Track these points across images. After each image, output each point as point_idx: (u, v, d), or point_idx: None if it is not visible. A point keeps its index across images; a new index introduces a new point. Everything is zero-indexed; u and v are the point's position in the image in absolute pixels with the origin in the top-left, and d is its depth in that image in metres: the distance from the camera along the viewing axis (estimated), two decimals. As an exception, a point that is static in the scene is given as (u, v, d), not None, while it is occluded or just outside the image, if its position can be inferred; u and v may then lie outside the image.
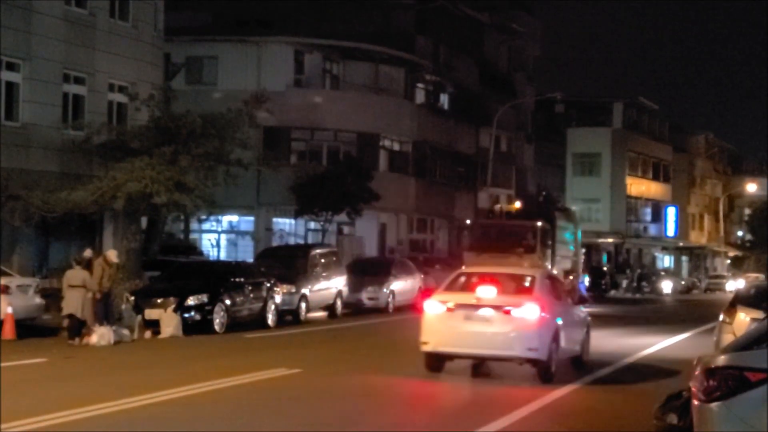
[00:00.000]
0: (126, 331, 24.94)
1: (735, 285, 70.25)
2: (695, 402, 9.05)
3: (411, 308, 33.30)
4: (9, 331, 24.40)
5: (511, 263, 33.07)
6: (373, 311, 37.25)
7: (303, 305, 32.47)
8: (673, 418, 10.98)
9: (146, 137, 31.87)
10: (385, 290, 38.22)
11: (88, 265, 25.36)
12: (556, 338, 18.70)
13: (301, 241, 49.08)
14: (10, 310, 24.70)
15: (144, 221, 34.89)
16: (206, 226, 49.12)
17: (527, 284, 19.36)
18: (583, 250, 53.57)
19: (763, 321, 11.27)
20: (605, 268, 66.69)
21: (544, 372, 18.40)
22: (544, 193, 55.06)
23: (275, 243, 48.38)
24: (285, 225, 51.42)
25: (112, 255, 26.00)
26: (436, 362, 19.05)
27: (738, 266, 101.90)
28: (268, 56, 50.39)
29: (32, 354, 21.17)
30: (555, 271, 34.86)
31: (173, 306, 26.57)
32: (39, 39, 31.24)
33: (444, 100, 62.47)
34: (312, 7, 54.96)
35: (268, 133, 47.61)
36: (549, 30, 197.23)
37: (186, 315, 26.68)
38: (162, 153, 30.95)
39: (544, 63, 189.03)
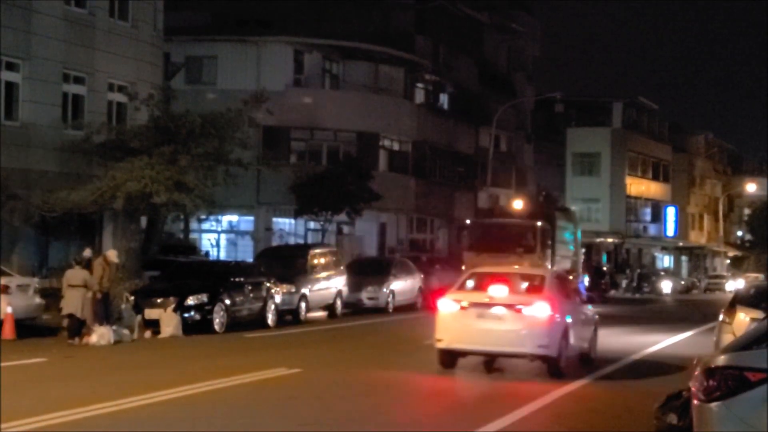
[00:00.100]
0: (126, 331, 24.95)
1: (734, 285, 70.26)
2: (695, 402, 9.06)
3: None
4: (9, 331, 24.41)
5: (511, 263, 33.15)
6: (372, 311, 37.25)
7: (303, 305, 32.47)
8: (672, 418, 10.98)
9: (146, 137, 31.87)
10: (384, 290, 38.23)
11: (87, 265, 25.37)
12: (565, 336, 19.33)
13: (301, 241, 49.08)
14: (9, 309, 24.71)
15: (144, 221, 34.89)
16: (206, 225, 49.14)
17: (538, 284, 20.06)
18: (583, 250, 53.60)
19: (762, 321, 11.27)
20: (605, 268, 66.64)
21: (554, 368, 19.01)
22: (544, 193, 55.06)
23: (275, 243, 48.38)
24: (285, 225, 51.42)
25: (112, 255, 26.01)
26: (450, 359, 19.64)
27: (737, 266, 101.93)
28: (268, 56, 50.39)
29: (32, 354, 21.18)
30: (555, 271, 34.82)
31: (173, 306, 26.57)
32: (39, 39, 31.25)
33: (444, 99, 62.48)
34: (312, 7, 54.98)
35: (268, 133, 47.64)
36: (549, 30, 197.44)
37: (186, 315, 26.68)
38: (161, 153, 30.95)
39: (544, 63, 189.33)
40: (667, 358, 23.36)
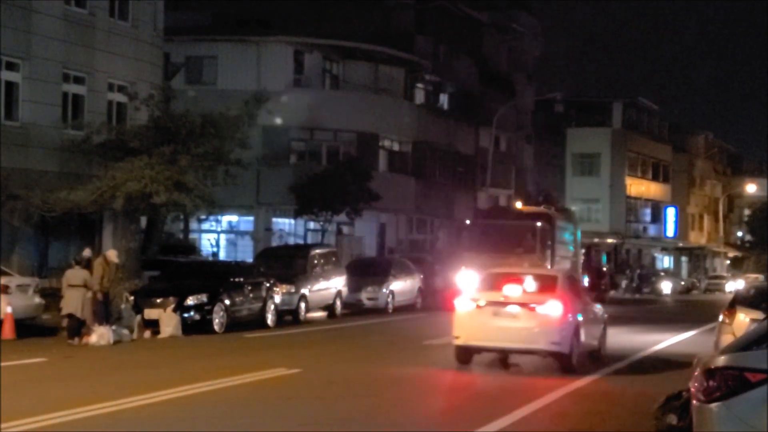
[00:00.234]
0: (125, 331, 24.94)
1: (734, 285, 70.24)
2: (695, 402, 9.06)
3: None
4: (9, 331, 24.41)
5: (511, 264, 33.27)
6: (372, 311, 37.24)
7: (302, 305, 32.46)
8: (672, 419, 10.98)
9: (146, 137, 31.86)
10: (384, 290, 38.22)
11: (87, 265, 25.38)
12: (576, 333, 20.12)
13: (301, 241, 49.07)
14: (9, 309, 24.71)
15: (143, 221, 34.89)
16: (206, 225, 49.13)
17: (550, 283, 20.77)
18: (583, 251, 53.58)
19: (762, 321, 11.27)
20: (605, 269, 66.61)
21: (566, 364, 19.84)
22: (543, 193, 55.04)
23: (275, 243, 48.37)
24: (284, 225, 51.42)
25: (112, 255, 26.01)
26: (466, 355, 20.51)
27: (737, 267, 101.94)
28: (268, 56, 50.39)
29: (32, 354, 21.18)
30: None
31: (173, 306, 26.57)
32: (39, 39, 31.24)
33: (443, 100, 62.49)
34: (312, 7, 54.99)
35: (268, 133, 47.64)
36: (549, 30, 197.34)
37: (185, 315, 26.68)
38: (161, 153, 30.94)
39: (544, 63, 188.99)
40: (672, 356, 23.85)
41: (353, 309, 36.84)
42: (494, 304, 19.92)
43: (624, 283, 73.63)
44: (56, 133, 31.81)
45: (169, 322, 26.20)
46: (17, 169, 30.12)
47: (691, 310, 49.00)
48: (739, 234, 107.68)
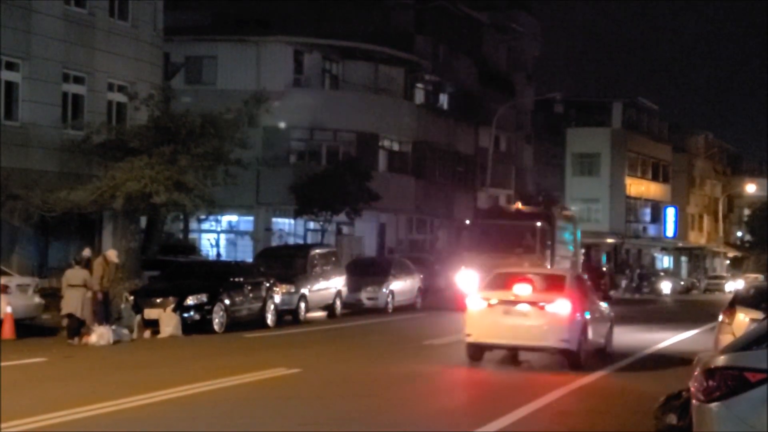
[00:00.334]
0: (125, 331, 24.95)
1: (734, 285, 70.25)
2: (695, 402, 9.06)
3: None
4: (8, 331, 24.41)
5: (511, 263, 33.39)
6: (372, 311, 37.24)
7: (302, 305, 32.46)
8: (672, 419, 10.98)
9: (145, 137, 31.86)
10: (384, 290, 38.21)
11: (87, 265, 25.38)
12: (584, 331, 20.77)
13: (301, 241, 49.08)
14: (9, 309, 24.71)
15: (143, 221, 34.89)
16: (206, 225, 49.14)
17: (559, 283, 21.37)
18: (583, 251, 53.58)
19: (762, 321, 11.27)
20: (604, 269, 66.64)
21: (574, 361, 20.43)
22: (543, 193, 55.07)
23: (274, 243, 48.38)
24: (284, 225, 51.42)
25: (112, 254, 26.02)
26: (478, 352, 21.11)
27: (737, 267, 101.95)
28: (268, 56, 50.40)
29: (32, 353, 21.18)
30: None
31: (172, 306, 26.56)
32: (38, 38, 31.24)
33: (443, 100, 62.51)
34: (311, 7, 55.00)
35: (268, 133, 47.65)
36: (549, 30, 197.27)
37: (185, 315, 26.67)
38: (161, 152, 30.94)
39: (544, 63, 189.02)
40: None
41: (353, 309, 36.83)
42: (505, 303, 20.48)
43: (624, 283, 73.67)
44: (56, 133, 31.81)
45: (168, 321, 26.20)
46: (17, 169, 30.12)
47: (691, 310, 49.01)
48: (739, 234, 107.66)
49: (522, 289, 20.55)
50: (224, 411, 14.52)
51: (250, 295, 28.98)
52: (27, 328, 25.46)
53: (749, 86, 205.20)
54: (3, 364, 18.79)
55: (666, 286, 79.78)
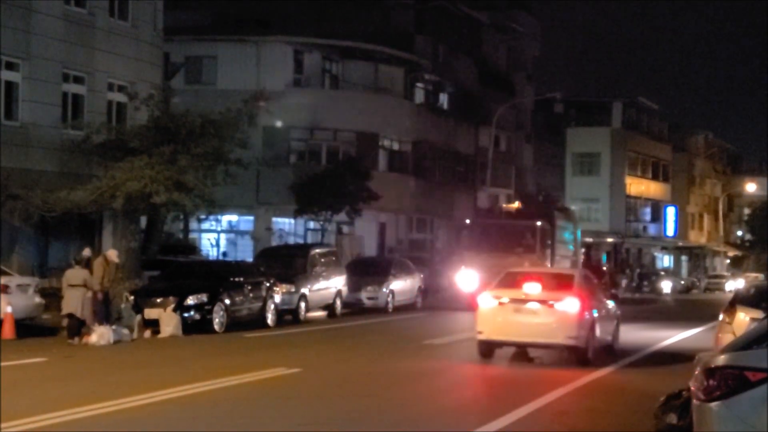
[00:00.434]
0: (125, 331, 24.94)
1: (734, 285, 70.22)
2: (695, 401, 9.05)
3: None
4: (9, 331, 24.41)
5: (511, 263, 33.48)
6: (372, 311, 37.24)
7: (302, 305, 32.46)
8: (672, 418, 10.97)
9: (145, 137, 31.86)
10: (384, 290, 38.20)
11: (87, 265, 25.37)
12: (592, 328, 21.41)
13: (301, 241, 49.08)
14: (9, 309, 24.70)
15: (143, 221, 34.88)
16: (206, 225, 49.12)
17: (567, 281, 22.00)
18: (583, 250, 53.56)
19: (762, 321, 11.27)
20: (604, 268, 66.61)
21: (582, 357, 21.03)
22: (543, 193, 55.05)
23: (275, 243, 48.38)
24: (284, 225, 51.42)
25: (113, 254, 26.02)
26: (489, 349, 21.71)
27: (737, 266, 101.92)
28: (268, 56, 50.40)
29: (32, 353, 21.18)
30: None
31: (173, 305, 26.56)
32: (38, 38, 31.25)
33: (443, 99, 62.50)
34: (311, 6, 55.01)
35: (268, 133, 47.65)
36: (549, 30, 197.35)
37: (185, 314, 26.67)
38: (161, 152, 30.95)
39: (544, 63, 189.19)
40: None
41: (353, 309, 36.84)
42: (515, 301, 21.08)
43: (624, 283, 73.63)
44: (56, 133, 31.81)
45: (169, 321, 26.20)
46: (17, 169, 30.13)
47: (692, 309, 49.03)
48: (739, 233, 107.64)
49: (532, 288, 21.16)
50: (224, 411, 14.52)
51: (251, 294, 28.98)
52: (27, 328, 25.46)
53: (749, 86, 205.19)
54: (3, 364, 18.79)
55: (666, 286, 79.73)
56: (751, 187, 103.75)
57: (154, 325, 26.31)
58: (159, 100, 33.15)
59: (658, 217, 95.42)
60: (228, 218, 50.85)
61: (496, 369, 20.94)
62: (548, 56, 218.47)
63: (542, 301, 20.99)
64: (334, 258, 36.46)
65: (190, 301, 26.90)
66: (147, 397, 15.27)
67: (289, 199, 47.42)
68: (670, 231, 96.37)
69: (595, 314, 21.77)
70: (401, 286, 39.43)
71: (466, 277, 40.90)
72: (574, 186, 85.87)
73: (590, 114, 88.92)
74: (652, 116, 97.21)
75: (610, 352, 23.09)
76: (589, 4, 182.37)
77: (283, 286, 31.24)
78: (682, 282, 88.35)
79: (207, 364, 20.09)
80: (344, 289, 35.78)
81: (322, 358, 21.96)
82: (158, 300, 26.89)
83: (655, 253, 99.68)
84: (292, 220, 50.60)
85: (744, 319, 17.38)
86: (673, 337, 29.98)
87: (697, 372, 9.12)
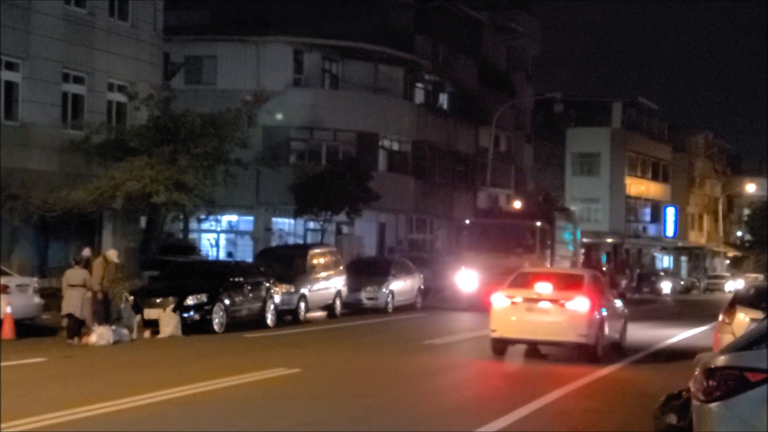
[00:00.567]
0: (125, 331, 24.92)
1: (734, 285, 70.22)
2: (695, 402, 9.05)
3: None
4: (8, 331, 24.39)
5: (510, 263, 33.71)
6: (372, 311, 37.23)
7: (302, 305, 32.45)
8: (672, 419, 10.97)
9: (145, 137, 31.87)
10: (384, 290, 38.18)
11: (87, 265, 25.36)
12: (601, 327, 22.16)
13: (301, 241, 49.06)
14: (9, 309, 24.69)
15: (143, 221, 34.88)
16: (205, 225, 49.12)
17: (577, 282, 22.67)
18: (582, 250, 53.58)
19: (762, 321, 11.27)
20: (604, 269, 66.65)
21: (592, 355, 21.76)
22: (543, 193, 55.03)
23: (274, 243, 48.37)
24: (284, 225, 51.41)
25: (113, 254, 26.00)
26: (502, 346, 22.41)
27: (737, 266, 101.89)
28: (268, 56, 50.39)
29: (31, 353, 21.18)
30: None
31: (172, 306, 26.55)
32: (38, 38, 31.24)
33: (443, 99, 62.48)
34: (311, 6, 55.00)
35: (268, 133, 47.63)
36: (548, 29, 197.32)
37: (185, 315, 26.66)
38: (161, 152, 30.95)
39: (544, 63, 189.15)
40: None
41: (353, 309, 36.83)
42: (527, 301, 21.82)
43: (623, 283, 73.62)
44: (56, 133, 31.81)
45: (168, 321, 26.19)
46: (17, 168, 30.11)
47: (693, 309, 49.05)
48: (739, 234, 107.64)
49: (543, 288, 21.91)
50: (224, 411, 14.51)
51: (250, 295, 28.97)
52: (27, 328, 25.44)
53: (749, 86, 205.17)
54: (3, 364, 18.79)
55: (666, 286, 79.74)
56: (750, 188, 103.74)
57: (153, 325, 26.30)
58: (159, 100, 33.16)
59: (657, 217, 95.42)
60: (228, 218, 50.84)
61: (496, 369, 20.96)
62: (548, 56, 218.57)
63: (553, 301, 21.68)
64: (333, 258, 36.45)
65: (190, 301, 26.88)
66: (146, 397, 15.27)
67: (289, 200, 47.41)
68: (670, 231, 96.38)
69: (604, 313, 22.48)
70: (401, 286, 39.41)
71: (465, 278, 40.92)
72: (573, 186, 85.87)
73: (590, 114, 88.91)
74: (652, 116, 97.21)
75: (618, 350, 23.89)
76: (589, 4, 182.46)
77: (283, 286, 31.23)
78: (682, 282, 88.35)
79: (206, 365, 20.09)
80: (344, 290, 35.77)
81: (321, 359, 21.96)
82: (158, 300, 26.88)
83: (655, 254, 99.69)
84: (292, 221, 50.58)
85: (744, 319, 17.40)
86: (678, 335, 30.66)
87: (696, 373, 9.12)
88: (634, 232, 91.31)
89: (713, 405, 8.72)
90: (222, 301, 27.42)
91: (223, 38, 50.50)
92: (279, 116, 46.41)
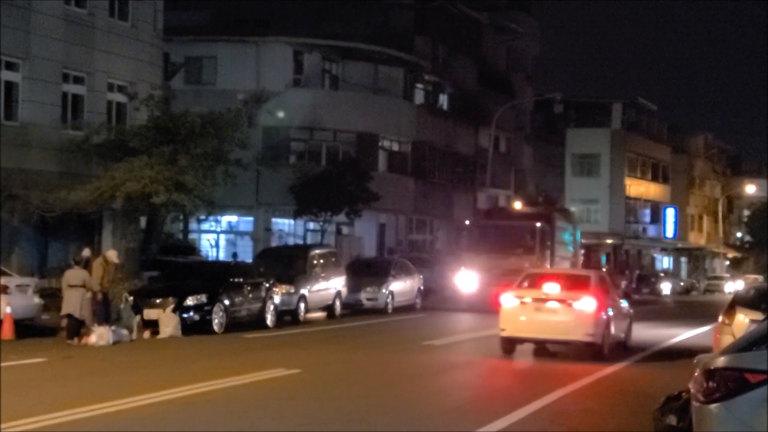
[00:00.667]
0: (125, 331, 24.92)
1: (734, 286, 70.21)
2: (695, 403, 9.05)
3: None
4: (8, 331, 24.39)
5: (510, 264, 33.91)
6: (371, 312, 37.21)
7: (302, 306, 32.45)
8: (672, 420, 10.97)
9: (145, 137, 31.86)
10: (383, 291, 38.16)
11: (86, 265, 25.36)
12: (607, 326, 22.73)
13: (300, 242, 49.06)
14: (9, 309, 24.68)
15: (143, 221, 34.88)
16: (205, 226, 49.12)
17: (584, 282, 23.19)
18: (582, 251, 53.57)
19: (762, 322, 11.27)
20: (604, 269, 66.68)
21: (598, 353, 22.27)
22: (543, 194, 55.03)
23: (274, 243, 48.37)
24: (284, 225, 51.41)
25: (113, 255, 25.99)
26: (511, 345, 22.87)
27: (737, 267, 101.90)
28: (267, 56, 50.39)
29: (31, 354, 21.17)
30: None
31: (172, 306, 26.55)
32: (38, 38, 31.24)
33: (443, 100, 62.49)
34: (311, 7, 54.99)
35: (268, 133, 47.63)
36: (548, 30, 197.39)
37: (185, 315, 26.65)
38: (161, 153, 30.94)
39: (543, 63, 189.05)
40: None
41: (353, 309, 36.81)
42: (536, 301, 22.33)
43: (623, 284, 73.57)
44: (56, 133, 31.81)
45: (168, 322, 26.18)
46: (17, 168, 30.12)
47: (693, 310, 49.05)
48: (739, 235, 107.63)
49: (551, 288, 22.43)
50: (224, 411, 14.51)
51: (250, 295, 28.96)
52: (26, 328, 25.43)
53: (749, 86, 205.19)
54: (3, 364, 18.78)
55: (666, 287, 79.73)
56: (750, 189, 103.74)
57: (153, 325, 26.29)
58: (159, 101, 33.15)
59: (657, 218, 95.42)
60: (227, 219, 50.84)
61: (496, 369, 20.97)
62: (548, 56, 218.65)
63: (561, 301, 22.17)
64: (333, 259, 36.45)
65: (190, 301, 26.87)
66: (146, 397, 15.26)
67: (289, 200, 47.41)
68: (670, 232, 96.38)
69: (611, 313, 23.02)
70: (401, 287, 39.39)
71: (465, 278, 40.93)
72: (573, 187, 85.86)
73: (590, 115, 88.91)
74: (651, 117, 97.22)
75: (623, 349, 24.43)
76: (589, 4, 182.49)
77: (283, 286, 31.23)
78: (682, 283, 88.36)
79: (206, 365, 20.09)
80: (344, 290, 35.76)
81: (321, 359, 21.96)
82: (157, 300, 26.87)
83: (655, 255, 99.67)
84: (292, 221, 50.58)
85: (743, 320, 17.39)
86: (680, 335, 31.14)
87: (696, 374, 9.12)
88: (633, 233, 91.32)
89: (713, 406, 8.72)
90: (222, 302, 27.42)
91: (223, 38, 50.51)
92: (280, 114, 46.42)
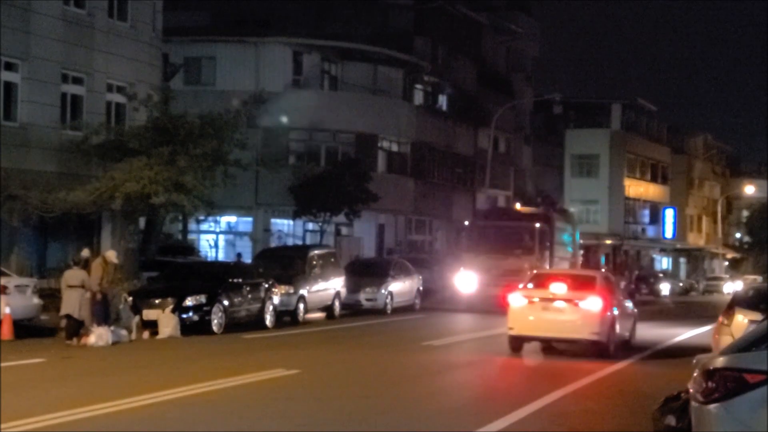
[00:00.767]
0: (124, 332, 24.92)
1: (733, 287, 70.20)
2: (694, 403, 9.05)
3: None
4: (7, 332, 24.39)
5: (509, 264, 34.10)
6: (371, 312, 37.20)
7: (301, 306, 32.44)
8: (671, 420, 10.96)
9: (144, 137, 31.87)
10: (383, 291, 38.15)
11: (86, 265, 25.35)
12: (612, 325, 23.28)
13: (300, 242, 49.06)
14: (8, 310, 24.68)
15: (142, 221, 34.88)
16: (204, 226, 49.13)
17: (590, 282, 23.72)
18: (581, 252, 53.60)
19: (761, 323, 11.27)
20: (603, 270, 66.73)
21: (604, 351, 22.81)
22: (542, 194, 55.05)
23: (273, 244, 48.37)
24: (283, 226, 51.41)
25: (112, 255, 25.98)
26: (518, 344, 23.33)
27: (736, 268, 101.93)
28: (267, 57, 50.40)
29: (30, 354, 21.17)
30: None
31: (171, 306, 26.54)
32: (37, 39, 31.24)
33: (442, 100, 62.51)
34: (311, 7, 55.00)
35: (267, 134, 47.64)
36: (548, 30, 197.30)
37: (184, 315, 26.64)
38: (160, 153, 30.94)
39: (543, 64, 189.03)
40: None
41: (352, 310, 36.81)
42: (543, 300, 22.84)
43: (622, 285, 73.53)
44: (55, 134, 31.81)
45: (167, 322, 26.18)
46: (16, 169, 30.12)
47: (692, 311, 49.07)
48: (738, 235, 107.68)
49: (558, 288, 22.97)
50: (223, 412, 14.51)
51: (249, 296, 28.95)
52: (26, 328, 25.43)
53: (749, 86, 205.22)
54: (2, 364, 18.78)
55: (665, 288, 79.72)
56: (749, 190, 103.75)
57: (152, 326, 26.29)
58: (158, 101, 33.15)
59: (656, 219, 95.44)
60: (227, 219, 50.85)
61: (496, 370, 20.97)
62: (547, 57, 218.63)
63: (568, 300, 22.72)
64: (332, 259, 36.45)
65: (189, 302, 26.87)
66: (145, 398, 15.26)
67: (288, 201, 47.42)
68: (669, 233, 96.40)
69: (616, 312, 23.56)
70: (400, 287, 39.38)
71: (465, 279, 40.93)
72: (572, 187, 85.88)
73: (589, 115, 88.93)
74: (651, 117, 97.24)
75: (628, 347, 24.96)
76: (589, 4, 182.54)
77: (282, 287, 31.22)
78: (681, 284, 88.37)
79: (205, 366, 20.08)
80: (343, 291, 35.75)
81: (320, 359, 21.96)
82: (157, 301, 26.87)
83: (654, 255, 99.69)
84: (291, 222, 50.59)
85: (742, 321, 17.41)
86: (683, 334, 31.65)
87: (695, 374, 9.12)
88: (633, 234, 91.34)
89: (712, 406, 8.72)
90: (221, 302, 27.42)
91: (222, 39, 50.52)
92: (278, 118, 46.43)
